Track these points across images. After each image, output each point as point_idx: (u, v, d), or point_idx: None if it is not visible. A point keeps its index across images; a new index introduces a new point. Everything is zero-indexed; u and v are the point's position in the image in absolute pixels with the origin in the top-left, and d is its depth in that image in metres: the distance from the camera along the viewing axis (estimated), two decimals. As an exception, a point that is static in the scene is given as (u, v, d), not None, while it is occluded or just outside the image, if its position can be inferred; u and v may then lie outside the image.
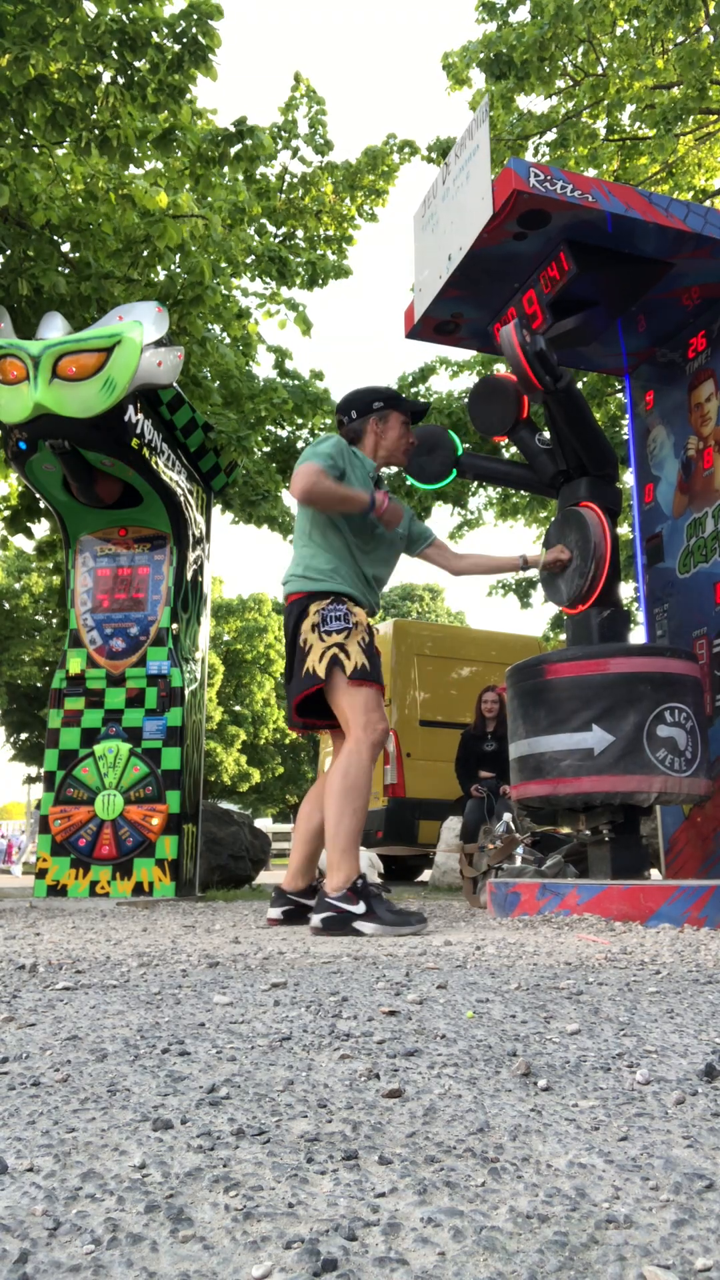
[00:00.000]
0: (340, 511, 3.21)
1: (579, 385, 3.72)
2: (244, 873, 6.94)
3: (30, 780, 29.53)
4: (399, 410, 3.44)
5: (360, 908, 2.86)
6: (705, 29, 8.27)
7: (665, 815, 4.22)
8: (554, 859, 3.92)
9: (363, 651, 3.10)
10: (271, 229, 8.76)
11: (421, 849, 8.08)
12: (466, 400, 4.03)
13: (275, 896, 3.36)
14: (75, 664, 5.14)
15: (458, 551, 3.71)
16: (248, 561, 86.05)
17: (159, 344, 4.82)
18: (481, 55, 9.03)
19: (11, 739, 25.36)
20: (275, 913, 3.32)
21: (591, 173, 9.02)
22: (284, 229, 8.84)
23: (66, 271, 6.43)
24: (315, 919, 2.89)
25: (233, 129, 6.29)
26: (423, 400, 3.66)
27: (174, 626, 5.20)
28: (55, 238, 6.47)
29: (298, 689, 3.15)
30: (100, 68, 5.44)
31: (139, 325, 4.68)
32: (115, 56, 5.30)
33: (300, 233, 8.92)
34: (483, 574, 3.74)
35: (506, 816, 4.46)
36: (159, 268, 6.76)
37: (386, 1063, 1.13)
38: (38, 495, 5.44)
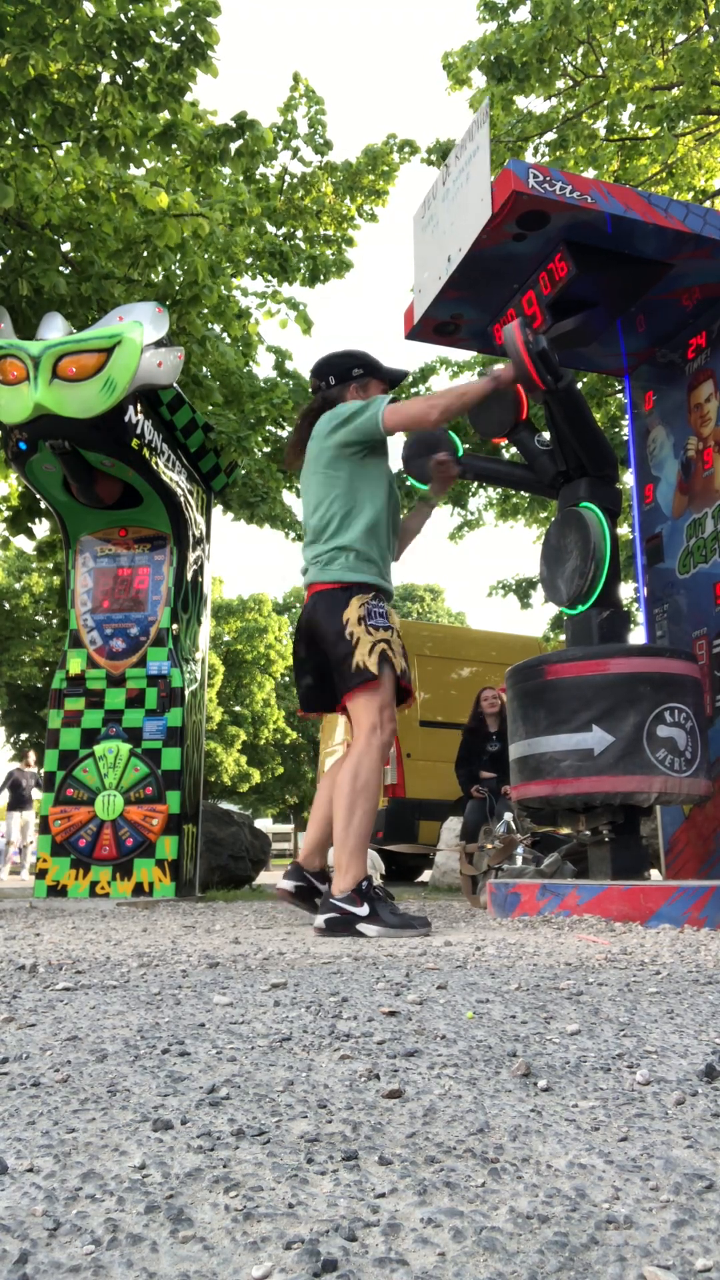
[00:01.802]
0: (472, 407, 3.18)
1: (579, 386, 3.72)
2: (244, 873, 6.94)
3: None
4: (377, 378, 3.34)
5: (364, 910, 2.84)
6: (705, 28, 8.27)
7: (665, 815, 4.22)
8: (551, 857, 3.93)
9: (400, 653, 3.08)
10: (271, 229, 8.76)
11: (424, 848, 8.08)
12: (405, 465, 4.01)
13: (291, 869, 3.34)
14: (75, 664, 5.14)
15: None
16: (248, 561, 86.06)
17: (159, 344, 4.82)
18: (482, 57, 9.03)
19: (11, 739, 25.36)
20: (287, 885, 3.29)
21: (591, 173, 9.02)
22: (284, 229, 8.84)
23: (67, 272, 6.43)
24: (319, 919, 2.88)
25: (233, 124, 6.29)
26: (403, 370, 3.56)
27: (174, 627, 5.20)
28: (56, 238, 6.47)
29: (351, 684, 3.01)
30: (99, 67, 5.44)
31: (139, 325, 4.68)
32: (114, 56, 5.31)
33: (300, 233, 8.92)
34: (410, 539, 3.56)
35: (508, 816, 4.46)
36: (159, 268, 6.77)
37: (386, 1063, 1.13)
38: (38, 495, 5.44)
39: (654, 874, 5.32)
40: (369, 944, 2.51)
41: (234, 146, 6.33)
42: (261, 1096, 0.99)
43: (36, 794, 12.08)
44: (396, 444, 4.57)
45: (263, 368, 11.91)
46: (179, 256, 6.53)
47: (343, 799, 2.97)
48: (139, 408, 4.80)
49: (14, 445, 4.70)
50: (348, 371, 3.32)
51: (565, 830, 4.26)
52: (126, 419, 4.66)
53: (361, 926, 2.82)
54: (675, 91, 8.67)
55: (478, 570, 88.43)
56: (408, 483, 7.53)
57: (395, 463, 4.66)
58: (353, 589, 3.08)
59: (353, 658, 2.99)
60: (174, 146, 6.03)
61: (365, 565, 3.13)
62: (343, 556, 3.12)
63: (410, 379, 10.44)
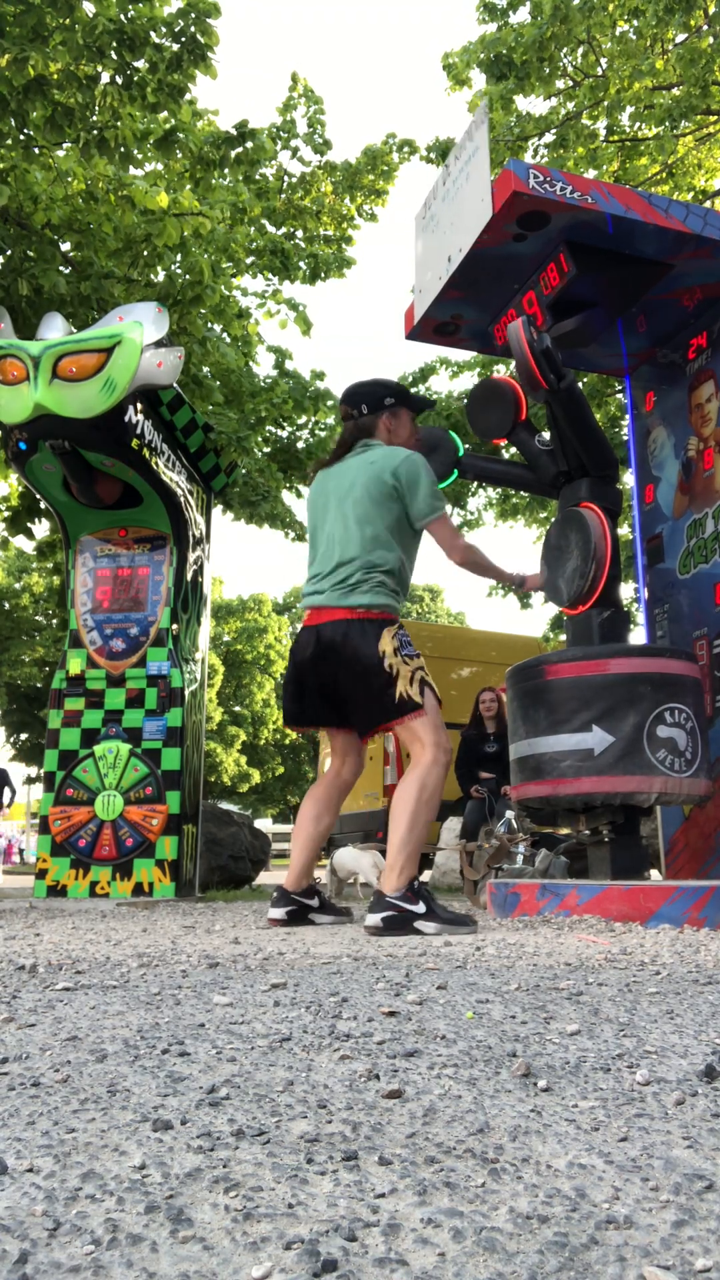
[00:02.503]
0: (484, 575, 3.49)
1: (579, 386, 3.71)
2: (244, 873, 6.94)
3: (30, 781, 29.53)
4: (408, 406, 3.43)
5: (421, 907, 2.91)
6: (705, 27, 8.27)
7: (665, 815, 4.22)
8: (543, 853, 3.93)
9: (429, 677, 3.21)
10: (271, 229, 8.76)
11: (424, 848, 8.09)
12: (464, 404, 4.02)
13: (278, 897, 3.36)
14: (75, 664, 5.14)
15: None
16: (248, 561, 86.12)
17: (159, 344, 4.82)
18: (481, 56, 9.03)
19: (11, 739, 25.36)
20: (278, 913, 3.31)
21: (591, 174, 9.02)
22: (284, 229, 8.84)
23: (67, 271, 6.43)
24: (374, 918, 2.90)
25: (234, 132, 6.30)
26: (430, 400, 3.65)
27: (174, 627, 5.20)
28: (55, 238, 6.47)
29: (393, 715, 3.10)
30: (99, 68, 5.44)
31: (139, 325, 4.68)
32: (114, 56, 5.31)
33: (300, 233, 8.92)
34: (478, 573, 3.67)
35: (509, 815, 4.45)
36: (159, 267, 6.77)
37: (386, 1063, 1.13)
38: (38, 495, 5.44)
39: (654, 874, 5.32)
40: (369, 944, 2.51)
41: (234, 153, 6.34)
42: (261, 1096, 0.99)
43: (6, 794, 12.10)
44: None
45: (263, 367, 11.91)
46: (179, 256, 6.53)
47: (408, 804, 3.05)
48: (139, 408, 4.80)
49: (14, 445, 4.70)
50: (379, 401, 3.38)
51: (565, 830, 4.26)
52: (126, 419, 4.66)
53: (419, 924, 2.88)
54: (675, 91, 8.67)
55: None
56: None
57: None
58: (383, 621, 3.15)
59: (394, 689, 3.08)
60: (174, 151, 6.03)
61: (394, 595, 3.22)
62: (379, 576, 3.17)
63: (410, 380, 10.45)
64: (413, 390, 10.29)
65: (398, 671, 3.08)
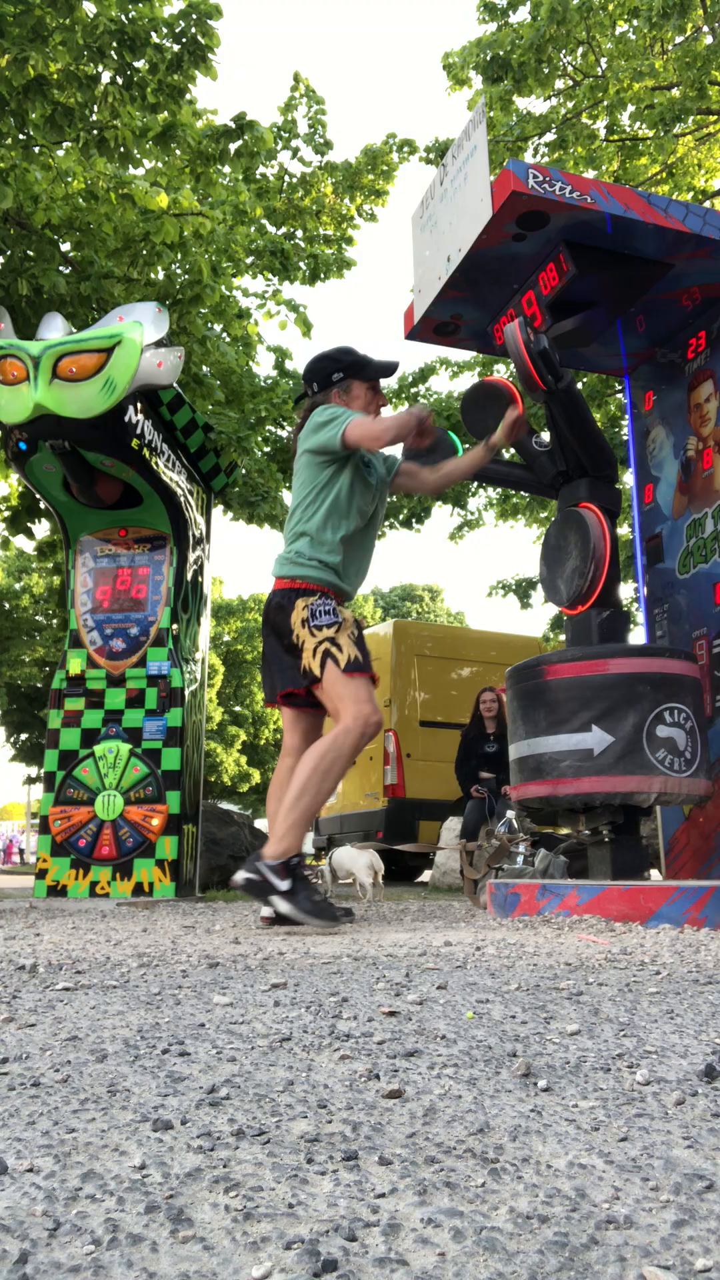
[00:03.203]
0: (404, 439, 3.23)
1: (579, 386, 3.72)
2: (244, 873, 6.94)
3: (30, 781, 29.52)
4: (360, 377, 3.38)
5: (286, 885, 2.88)
6: (704, 29, 8.27)
7: (665, 815, 4.22)
8: (543, 853, 3.93)
9: (354, 644, 3.12)
10: (271, 229, 8.76)
11: (425, 848, 8.09)
12: (460, 406, 4.00)
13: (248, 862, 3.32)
14: (75, 664, 5.14)
15: (421, 472, 3.59)
16: (248, 561, 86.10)
17: (159, 344, 4.82)
18: (479, 57, 9.03)
19: (11, 739, 25.34)
20: (269, 913, 3.25)
21: (591, 174, 9.02)
22: (284, 229, 8.84)
23: (67, 271, 6.43)
24: (240, 875, 2.92)
25: (232, 125, 6.29)
26: (391, 362, 3.56)
27: (174, 627, 5.20)
28: (55, 238, 6.47)
29: (288, 683, 3.16)
30: (99, 68, 5.44)
31: (139, 325, 4.68)
32: (114, 56, 5.31)
33: (300, 233, 8.92)
34: (458, 478, 3.61)
35: (509, 815, 4.45)
36: (158, 267, 6.77)
37: (386, 1063, 1.13)
38: (38, 495, 5.44)
39: (654, 874, 5.32)
40: (369, 944, 2.51)
41: (233, 147, 6.33)
42: (261, 1096, 0.99)
43: None
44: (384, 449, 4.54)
45: (263, 367, 11.92)
46: (179, 256, 6.53)
47: (304, 771, 3.00)
48: (139, 408, 4.80)
49: (14, 445, 4.70)
50: (328, 378, 3.38)
51: (565, 830, 4.27)
52: (126, 419, 4.66)
53: (275, 899, 2.86)
54: (674, 92, 8.67)
55: (478, 570, 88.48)
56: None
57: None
58: (298, 591, 3.17)
59: (300, 662, 3.11)
60: (173, 147, 6.03)
61: (318, 564, 3.20)
62: (300, 545, 3.21)
63: (410, 380, 10.44)
64: (412, 390, 10.30)
65: (303, 643, 3.11)
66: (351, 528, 3.28)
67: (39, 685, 22.36)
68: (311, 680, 3.09)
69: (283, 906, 2.84)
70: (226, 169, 6.85)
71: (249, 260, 8.07)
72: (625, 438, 6.14)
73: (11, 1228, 0.67)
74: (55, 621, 20.52)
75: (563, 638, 5.69)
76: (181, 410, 5.41)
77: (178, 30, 5.41)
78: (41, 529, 7.53)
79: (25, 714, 23.78)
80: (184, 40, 5.40)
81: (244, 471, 7.36)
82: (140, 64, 5.43)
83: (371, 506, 3.37)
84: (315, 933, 2.92)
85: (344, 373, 3.36)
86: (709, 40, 8.33)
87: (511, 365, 3.54)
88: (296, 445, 3.38)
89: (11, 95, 5.28)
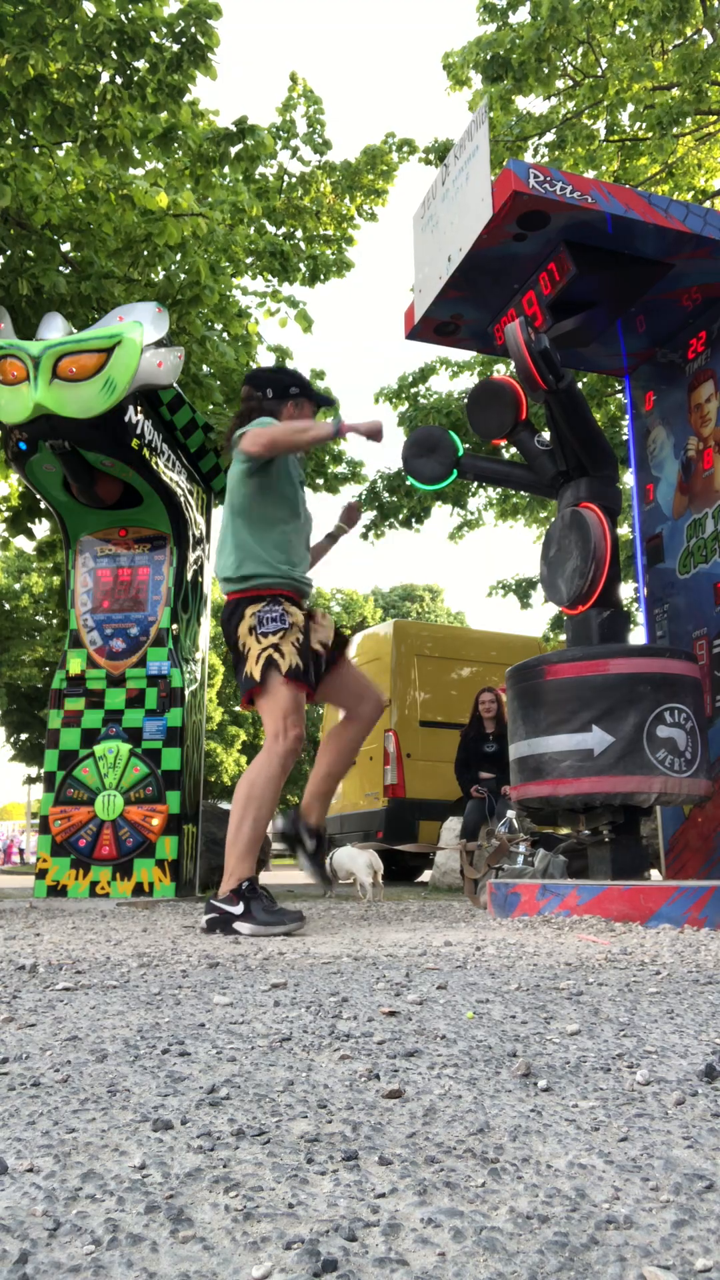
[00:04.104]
0: (308, 448, 3.28)
1: (579, 386, 3.72)
2: (244, 873, 6.94)
3: (30, 781, 29.51)
4: (311, 400, 3.52)
5: (239, 909, 2.95)
6: (704, 30, 8.27)
7: (665, 815, 4.22)
8: (543, 853, 3.93)
9: (296, 651, 3.17)
10: (271, 229, 8.76)
11: (425, 848, 8.09)
12: (464, 404, 4.01)
13: (291, 815, 3.49)
14: (75, 664, 5.14)
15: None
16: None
17: (159, 344, 4.81)
18: (478, 57, 9.03)
19: (11, 739, 25.34)
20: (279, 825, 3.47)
21: (591, 174, 9.02)
22: (284, 229, 8.85)
23: (67, 271, 6.43)
24: (203, 920, 3.01)
25: (233, 128, 6.29)
26: (331, 397, 3.69)
27: (174, 627, 5.20)
28: (55, 238, 6.47)
29: (242, 689, 3.25)
30: (99, 67, 5.44)
31: (139, 326, 4.67)
32: (114, 56, 5.31)
33: (299, 232, 8.92)
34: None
35: (509, 815, 4.45)
36: (159, 267, 6.77)
37: (386, 1063, 1.13)
38: (38, 495, 5.43)
39: (654, 874, 5.32)
40: (368, 944, 2.51)
41: (234, 150, 6.34)
42: (261, 1096, 0.99)
43: None
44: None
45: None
46: (179, 256, 6.53)
47: (238, 805, 3.10)
48: (139, 408, 4.80)
49: (14, 445, 4.69)
50: (285, 390, 3.48)
51: (565, 830, 4.26)
52: (126, 419, 4.66)
53: (237, 925, 2.93)
54: (674, 92, 8.67)
55: (478, 570, 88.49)
56: (408, 482, 7.49)
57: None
58: (247, 600, 3.24)
59: (244, 667, 3.18)
60: (174, 148, 6.03)
61: (265, 569, 3.26)
62: (234, 564, 3.28)
63: (410, 380, 10.45)
64: (411, 390, 10.31)
65: (248, 649, 3.18)
66: (289, 526, 3.36)
67: (39, 685, 22.36)
68: (252, 685, 3.15)
69: (245, 929, 2.91)
70: (226, 170, 6.85)
71: (249, 260, 8.07)
72: (625, 438, 6.14)
73: (11, 1228, 0.67)
74: (55, 622, 20.52)
75: (563, 638, 5.69)
76: (181, 410, 5.41)
77: (177, 30, 5.41)
78: (41, 529, 7.53)
79: (25, 714, 23.78)
80: (184, 40, 5.40)
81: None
82: (140, 64, 5.43)
83: (302, 507, 3.46)
84: (312, 933, 2.93)
85: (300, 389, 3.50)
86: (709, 41, 8.33)
87: (512, 365, 3.54)
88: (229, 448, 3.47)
89: (11, 95, 5.28)
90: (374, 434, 3.28)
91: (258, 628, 3.18)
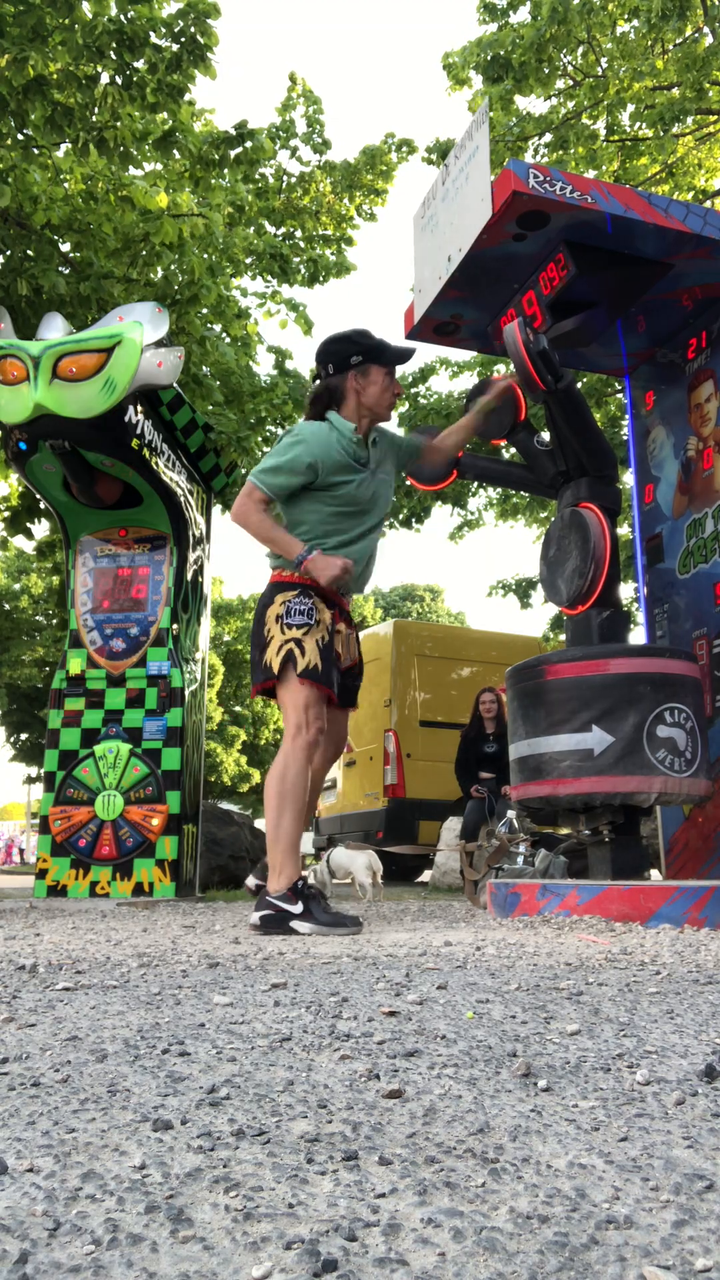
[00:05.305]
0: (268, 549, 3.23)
1: (579, 386, 3.72)
2: (244, 873, 6.94)
3: (30, 781, 29.51)
4: (379, 362, 3.25)
5: (298, 908, 2.91)
6: (705, 30, 8.27)
7: (665, 815, 4.22)
8: (543, 853, 3.93)
9: (318, 651, 3.08)
10: (270, 229, 8.76)
11: (425, 848, 8.08)
12: (464, 404, 4.00)
13: (260, 869, 3.38)
14: (75, 664, 5.14)
15: (435, 443, 3.61)
16: (248, 561, 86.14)
17: (159, 344, 4.81)
18: (479, 57, 9.02)
19: (11, 739, 25.34)
20: (255, 918, 3.19)
21: (591, 173, 9.02)
22: (283, 229, 8.84)
23: (66, 271, 6.43)
24: (255, 916, 2.96)
25: (233, 132, 6.30)
26: (409, 349, 3.49)
27: (174, 627, 5.20)
28: (55, 238, 6.47)
29: (257, 679, 3.19)
30: (99, 68, 5.44)
31: (139, 326, 4.68)
32: (114, 56, 5.31)
33: (299, 233, 8.92)
34: (464, 439, 3.66)
35: (509, 815, 4.45)
36: (157, 267, 6.77)
37: (387, 1063, 1.13)
38: (38, 495, 5.43)
39: (654, 874, 5.32)
40: (369, 944, 2.51)
41: (234, 153, 6.34)
42: (261, 1096, 0.99)
43: None
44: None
45: (263, 367, 11.91)
46: (177, 256, 6.53)
47: (272, 801, 3.04)
48: (139, 408, 4.80)
49: (14, 445, 4.69)
50: (345, 360, 3.24)
51: (565, 830, 4.27)
52: (126, 419, 4.66)
53: (295, 924, 2.89)
54: (674, 92, 8.67)
55: (478, 570, 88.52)
56: (407, 482, 7.49)
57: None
58: (280, 585, 3.17)
59: (264, 655, 3.11)
60: (174, 151, 6.04)
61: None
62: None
63: (410, 380, 10.44)
64: (411, 390, 10.30)
65: (271, 638, 3.11)
66: (338, 515, 3.22)
67: (39, 685, 22.36)
68: (268, 677, 3.10)
69: (303, 928, 2.87)
70: (225, 172, 6.85)
71: (248, 260, 8.07)
72: (625, 438, 6.14)
73: (11, 1228, 0.67)
74: (55, 622, 20.52)
75: (563, 638, 5.69)
76: (181, 410, 5.41)
77: (176, 30, 5.41)
78: (41, 529, 7.53)
79: (25, 714, 23.77)
80: (183, 40, 5.40)
81: (244, 471, 7.37)
82: (139, 64, 5.43)
83: (366, 494, 3.25)
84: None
85: (363, 356, 3.24)
86: (709, 41, 8.33)
87: (511, 365, 3.53)
88: None
89: (11, 95, 5.28)
90: (337, 579, 3.08)
91: (284, 617, 3.10)
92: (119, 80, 5.45)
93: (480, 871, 4.47)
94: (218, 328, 7.63)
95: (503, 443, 5.55)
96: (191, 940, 2.65)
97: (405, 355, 3.33)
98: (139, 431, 4.79)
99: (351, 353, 3.24)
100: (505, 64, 8.79)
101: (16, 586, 22.69)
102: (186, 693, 5.18)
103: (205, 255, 6.62)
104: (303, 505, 3.21)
